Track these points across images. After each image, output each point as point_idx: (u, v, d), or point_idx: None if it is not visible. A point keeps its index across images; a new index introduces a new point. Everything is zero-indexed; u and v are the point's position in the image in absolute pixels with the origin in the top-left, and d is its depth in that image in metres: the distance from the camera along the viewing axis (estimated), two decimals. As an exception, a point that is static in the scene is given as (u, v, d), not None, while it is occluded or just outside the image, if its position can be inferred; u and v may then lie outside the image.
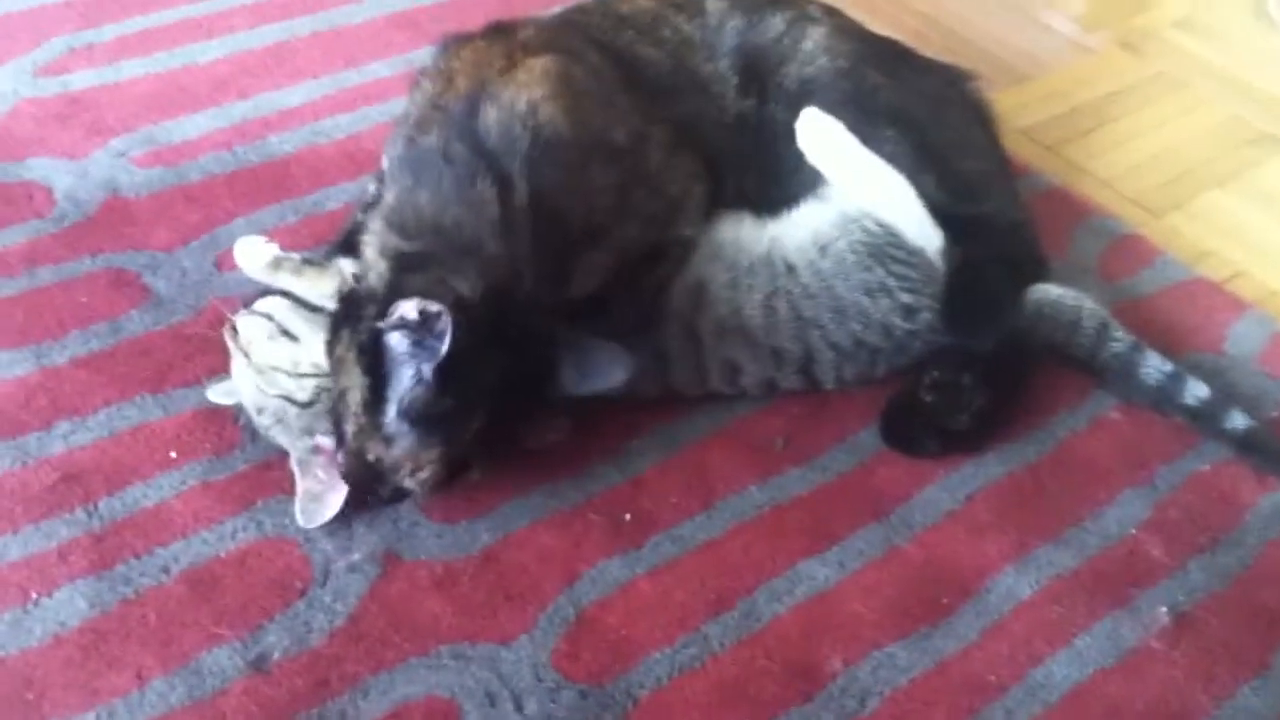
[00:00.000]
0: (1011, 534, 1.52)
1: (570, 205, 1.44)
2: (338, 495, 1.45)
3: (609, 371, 1.40)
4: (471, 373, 1.32)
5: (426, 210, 1.40)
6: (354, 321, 1.39)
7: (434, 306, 1.28)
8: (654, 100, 1.62)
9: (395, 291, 1.35)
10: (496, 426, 1.39)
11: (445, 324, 1.27)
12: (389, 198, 1.45)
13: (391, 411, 1.34)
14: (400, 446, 1.35)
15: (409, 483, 1.39)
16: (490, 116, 1.44)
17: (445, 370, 1.30)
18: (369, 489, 1.41)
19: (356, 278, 1.46)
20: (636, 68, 1.66)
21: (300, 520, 1.44)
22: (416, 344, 1.31)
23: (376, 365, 1.33)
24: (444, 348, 1.28)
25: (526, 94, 1.46)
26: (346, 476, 1.40)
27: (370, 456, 1.37)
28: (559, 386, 1.40)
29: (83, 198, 1.85)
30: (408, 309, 1.29)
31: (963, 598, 1.45)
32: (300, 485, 1.46)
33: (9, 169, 1.89)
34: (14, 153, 1.92)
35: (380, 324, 1.32)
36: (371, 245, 1.44)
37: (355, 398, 1.36)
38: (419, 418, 1.33)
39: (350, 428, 1.37)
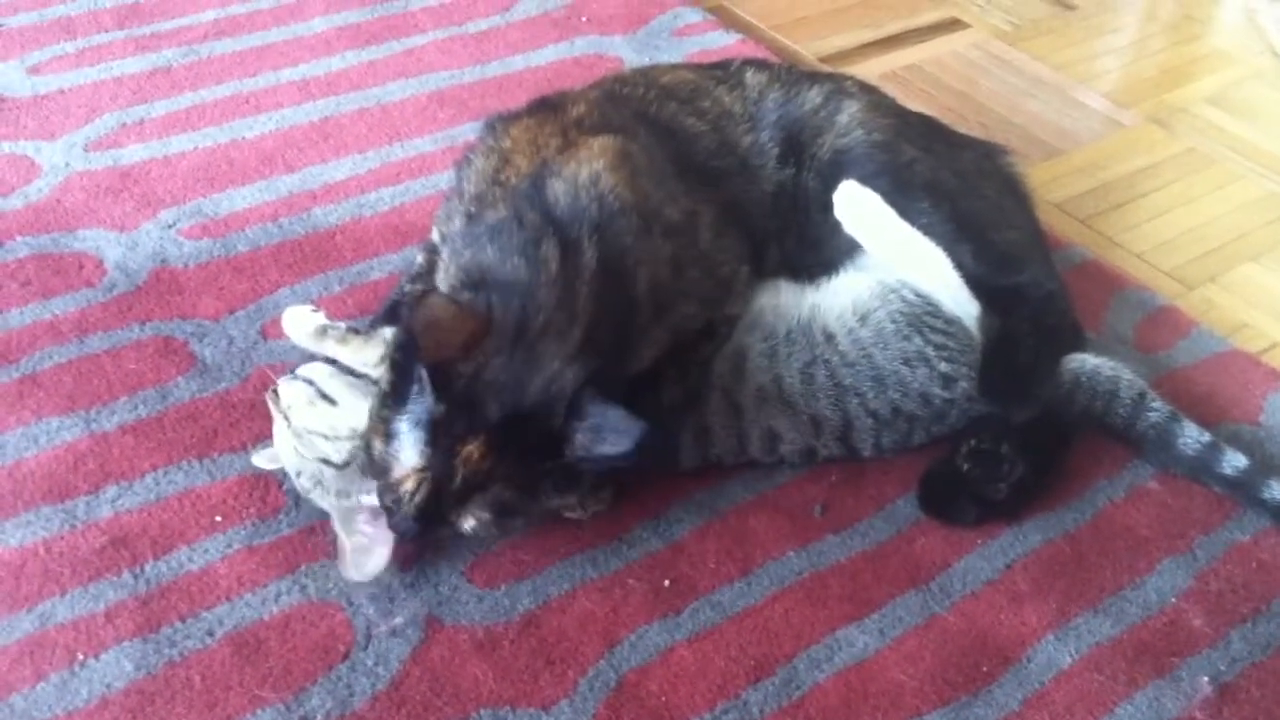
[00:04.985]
0: (1051, 603, 1.51)
1: (635, 273, 1.47)
2: (385, 548, 1.46)
3: (619, 439, 1.36)
4: (474, 388, 1.34)
5: (490, 261, 1.43)
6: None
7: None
8: (701, 180, 1.65)
9: None
10: (499, 472, 1.37)
11: (422, 302, 1.30)
12: (451, 267, 1.48)
13: (401, 409, 1.35)
14: (394, 445, 1.35)
15: (400, 493, 1.36)
16: (557, 189, 1.48)
17: (449, 377, 1.32)
18: (385, 499, 1.39)
19: None
20: (683, 143, 1.69)
21: (349, 574, 1.46)
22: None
23: (404, 366, 1.36)
24: (415, 324, 1.30)
25: (588, 167, 1.49)
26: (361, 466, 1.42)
27: (375, 451, 1.37)
28: (572, 448, 1.38)
29: (132, 268, 1.88)
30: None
31: (1003, 666, 1.45)
32: (345, 542, 1.47)
33: (61, 240, 1.93)
34: (66, 224, 1.96)
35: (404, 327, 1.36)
36: (442, 285, 1.47)
37: (380, 391, 1.40)
38: (416, 420, 1.34)
39: (370, 421, 1.40)
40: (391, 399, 1.37)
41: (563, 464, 1.39)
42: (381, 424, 1.37)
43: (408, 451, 1.35)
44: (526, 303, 1.38)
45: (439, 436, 1.34)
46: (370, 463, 1.39)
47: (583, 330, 1.39)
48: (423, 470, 1.35)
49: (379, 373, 1.50)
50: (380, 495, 1.41)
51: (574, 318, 1.39)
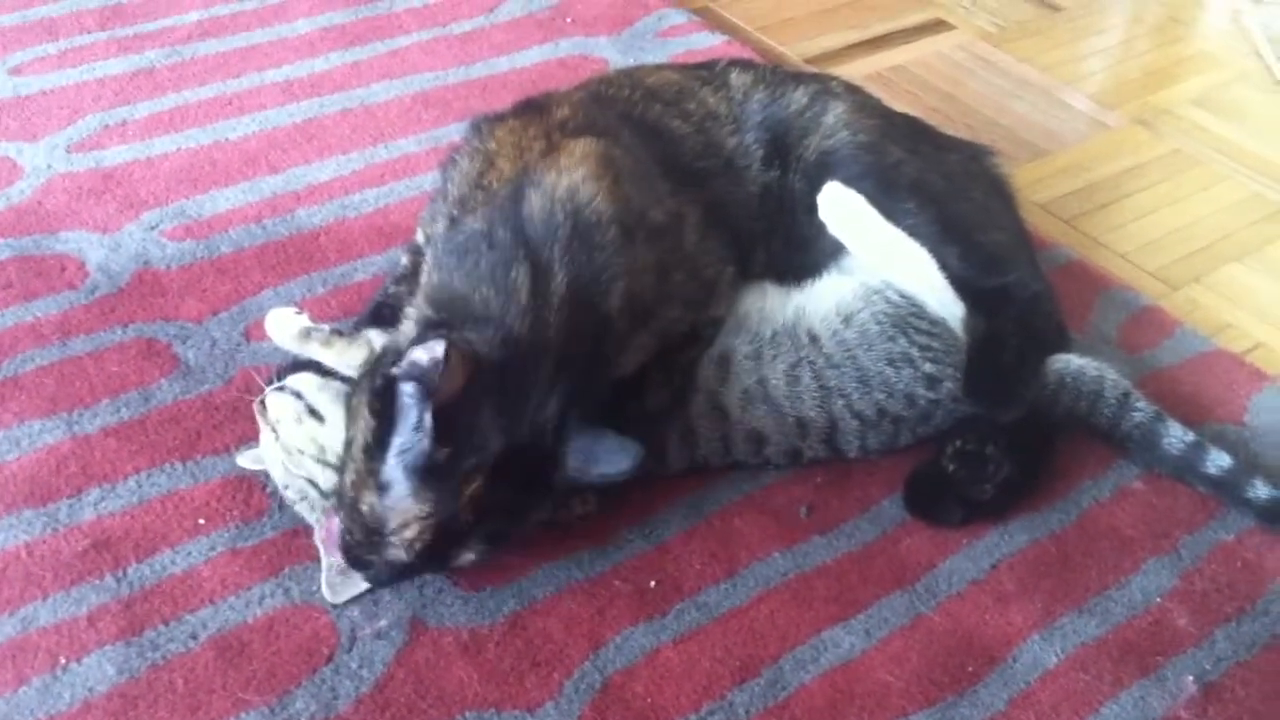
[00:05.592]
0: (1037, 603, 1.51)
1: (609, 289, 1.46)
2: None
3: (616, 459, 1.39)
4: (471, 429, 1.33)
5: (460, 288, 1.42)
6: (373, 372, 1.40)
7: (438, 344, 1.28)
8: (686, 180, 1.65)
9: (416, 342, 1.35)
10: (496, 503, 1.37)
11: (442, 352, 1.27)
12: (432, 277, 1.46)
13: (390, 457, 1.33)
14: (392, 495, 1.34)
15: (396, 543, 1.35)
16: (534, 203, 1.46)
17: (445, 419, 1.30)
18: (360, 560, 1.39)
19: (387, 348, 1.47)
20: (668, 144, 1.69)
21: (327, 595, 1.45)
22: (423, 393, 1.31)
23: (385, 412, 1.33)
24: (438, 376, 1.28)
25: (568, 178, 1.49)
26: (342, 543, 1.40)
27: (364, 506, 1.35)
28: (564, 470, 1.39)
29: (115, 270, 1.88)
30: (418, 353, 1.30)
31: (989, 666, 1.45)
32: (325, 560, 1.47)
33: (43, 242, 1.92)
34: (48, 226, 1.95)
35: (394, 370, 1.32)
36: (409, 318, 1.45)
37: (359, 443, 1.36)
38: (414, 467, 1.32)
39: (349, 476, 1.38)
40: (375, 448, 1.34)
41: (555, 486, 1.40)
42: (370, 476, 1.35)
43: (407, 501, 1.33)
44: (503, 334, 1.37)
45: (444, 479, 1.33)
46: (358, 520, 1.37)
47: (554, 357, 1.39)
48: (426, 516, 1.34)
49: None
50: (358, 548, 1.38)
51: (546, 346, 1.39)
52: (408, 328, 1.45)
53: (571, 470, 1.38)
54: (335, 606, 1.45)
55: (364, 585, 1.46)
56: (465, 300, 1.41)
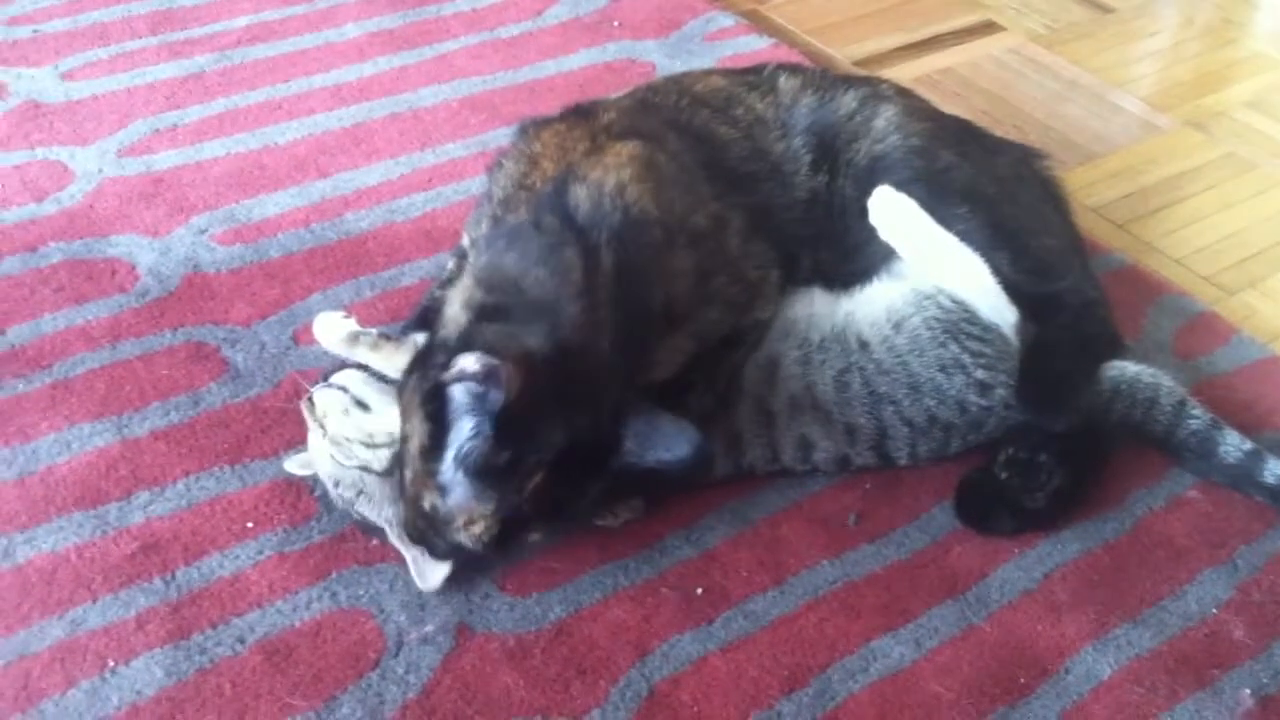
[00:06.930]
0: (1090, 613, 1.49)
1: (652, 285, 1.46)
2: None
3: (674, 444, 1.38)
4: (531, 428, 1.32)
5: (512, 269, 1.41)
6: (423, 369, 1.39)
7: (492, 360, 1.28)
8: (731, 185, 1.64)
9: (466, 341, 1.35)
10: (558, 490, 1.37)
11: (502, 376, 1.27)
12: (480, 259, 1.45)
13: (448, 460, 1.33)
14: (454, 497, 1.34)
15: (463, 537, 1.37)
16: (579, 194, 1.46)
17: (504, 423, 1.30)
18: (425, 540, 1.40)
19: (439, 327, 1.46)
20: (714, 149, 1.68)
21: (420, 584, 1.45)
22: (478, 397, 1.30)
23: (439, 414, 1.33)
24: (500, 399, 1.27)
25: (615, 176, 1.48)
26: (404, 525, 1.40)
27: (425, 505, 1.36)
28: (623, 455, 1.39)
29: (165, 274, 1.89)
30: (468, 362, 1.29)
31: (1041, 678, 1.43)
32: (407, 554, 1.46)
33: (94, 246, 1.94)
34: (99, 230, 1.97)
35: (443, 376, 1.31)
36: (456, 300, 1.43)
37: (415, 445, 1.36)
38: (475, 470, 1.32)
39: (409, 473, 1.38)
40: (432, 451, 1.34)
41: (614, 471, 1.39)
42: (430, 478, 1.35)
43: (469, 501, 1.34)
44: (557, 324, 1.35)
45: (506, 478, 1.33)
46: (421, 514, 1.37)
47: (608, 342, 1.38)
48: (490, 513, 1.35)
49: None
50: (421, 534, 1.39)
51: (600, 332, 1.38)
52: (454, 310, 1.42)
53: (628, 454, 1.38)
54: (383, 610, 1.45)
55: (449, 568, 1.45)
56: (516, 282, 1.40)
